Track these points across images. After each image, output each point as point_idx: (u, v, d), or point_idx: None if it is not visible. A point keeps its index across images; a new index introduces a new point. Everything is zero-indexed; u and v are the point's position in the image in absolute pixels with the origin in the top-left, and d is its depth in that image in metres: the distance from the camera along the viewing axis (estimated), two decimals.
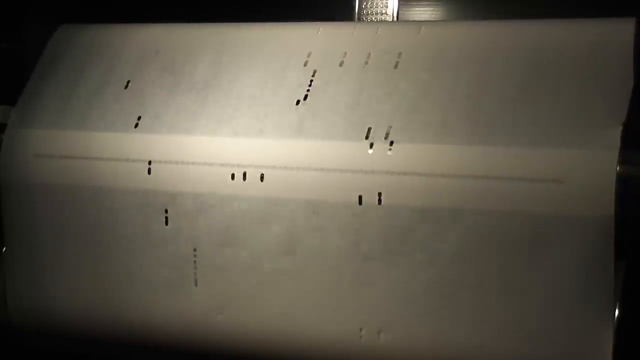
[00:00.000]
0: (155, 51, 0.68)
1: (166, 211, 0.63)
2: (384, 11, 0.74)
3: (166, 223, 0.63)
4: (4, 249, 0.69)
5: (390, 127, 0.58)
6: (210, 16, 0.72)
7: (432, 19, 0.74)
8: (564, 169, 0.54)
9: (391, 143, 0.58)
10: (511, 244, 0.55)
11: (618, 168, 0.53)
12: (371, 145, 0.58)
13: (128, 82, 0.67)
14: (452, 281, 0.57)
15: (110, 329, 0.67)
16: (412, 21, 0.73)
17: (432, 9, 0.74)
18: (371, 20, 0.74)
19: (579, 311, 0.54)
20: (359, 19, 0.74)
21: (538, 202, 0.54)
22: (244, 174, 0.61)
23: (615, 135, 0.53)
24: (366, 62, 0.62)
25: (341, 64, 0.62)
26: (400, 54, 0.62)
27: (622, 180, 0.52)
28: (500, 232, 0.55)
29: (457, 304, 0.57)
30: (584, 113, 0.55)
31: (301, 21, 0.68)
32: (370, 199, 0.58)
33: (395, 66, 0.61)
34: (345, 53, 0.63)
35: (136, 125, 0.64)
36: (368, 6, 0.74)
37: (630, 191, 0.53)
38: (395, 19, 0.74)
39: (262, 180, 0.60)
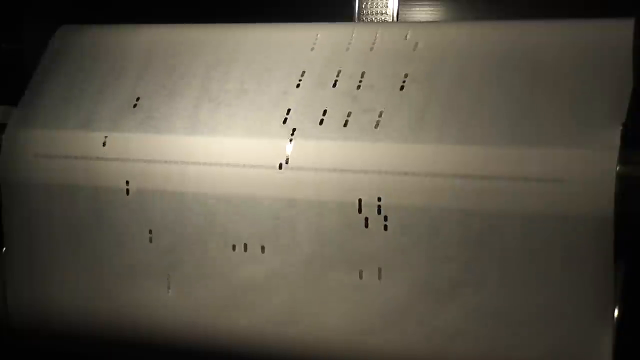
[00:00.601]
0: (154, 52, 0.69)
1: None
2: (384, 11, 0.74)
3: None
4: (4, 249, 0.69)
5: (380, 198, 0.58)
6: (211, 16, 0.72)
7: (432, 19, 0.74)
8: (564, 169, 0.54)
9: (385, 218, 0.58)
10: (511, 244, 0.55)
11: (618, 168, 0.53)
12: (366, 221, 0.58)
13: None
14: (450, 280, 0.57)
15: (110, 329, 0.66)
16: (407, 26, 0.73)
17: (432, 9, 0.74)
18: (371, 21, 0.74)
19: (579, 311, 0.54)
20: (359, 19, 0.74)
21: (538, 202, 0.54)
22: (245, 246, 0.61)
23: (615, 135, 0.53)
24: (345, 123, 0.61)
25: (321, 122, 0.62)
26: (381, 112, 0.60)
27: (622, 180, 0.52)
28: (499, 232, 0.55)
29: (455, 303, 0.57)
30: (584, 113, 0.55)
31: (301, 21, 0.68)
32: (370, 273, 0.59)
33: (376, 126, 0.60)
34: (325, 111, 0.62)
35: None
36: (368, 6, 0.74)
37: (630, 191, 0.53)
38: (395, 19, 0.74)
39: (262, 252, 0.61)
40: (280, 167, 0.60)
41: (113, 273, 0.66)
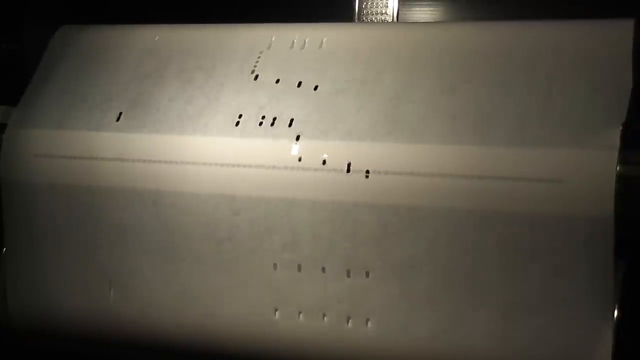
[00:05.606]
0: (154, 52, 0.69)
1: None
2: (384, 11, 0.74)
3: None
4: (4, 249, 0.69)
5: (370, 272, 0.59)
6: (211, 16, 0.72)
7: (432, 19, 0.74)
8: (564, 169, 0.54)
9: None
10: (511, 244, 0.55)
11: (618, 168, 0.53)
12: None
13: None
14: (451, 280, 0.57)
15: (110, 329, 0.66)
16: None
17: (432, 9, 0.74)
18: (371, 21, 0.74)
19: (579, 311, 0.54)
20: (359, 19, 0.74)
21: (538, 202, 0.54)
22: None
23: (615, 135, 0.53)
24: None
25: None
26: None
27: (622, 180, 0.52)
28: (500, 232, 0.55)
29: (456, 303, 0.57)
30: (584, 113, 0.55)
31: (300, 22, 0.68)
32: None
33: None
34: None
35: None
36: (368, 6, 0.74)
37: (630, 191, 0.53)
38: (395, 19, 0.74)
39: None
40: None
41: (113, 273, 0.66)
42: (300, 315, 0.61)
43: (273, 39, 0.66)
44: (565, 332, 0.55)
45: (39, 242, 0.67)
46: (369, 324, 0.59)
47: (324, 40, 0.65)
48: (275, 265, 0.61)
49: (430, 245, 0.57)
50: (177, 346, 0.65)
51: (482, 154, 0.56)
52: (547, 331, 0.55)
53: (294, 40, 0.65)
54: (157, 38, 0.69)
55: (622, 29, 0.58)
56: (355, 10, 0.74)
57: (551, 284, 0.55)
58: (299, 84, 0.63)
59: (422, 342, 0.58)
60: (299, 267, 0.61)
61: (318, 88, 0.62)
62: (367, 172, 0.58)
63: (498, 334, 0.56)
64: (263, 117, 0.62)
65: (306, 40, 0.65)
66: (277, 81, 0.63)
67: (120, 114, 0.66)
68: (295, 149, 0.60)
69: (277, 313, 0.61)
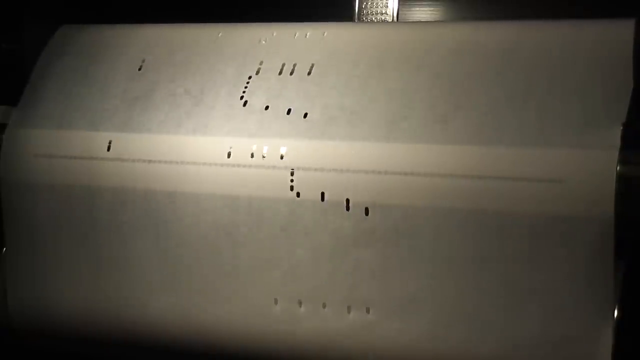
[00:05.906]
0: (154, 52, 0.69)
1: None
2: (384, 11, 0.74)
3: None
4: (4, 249, 0.69)
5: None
6: (211, 16, 0.72)
7: (432, 19, 0.74)
8: (564, 169, 0.54)
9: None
10: (511, 244, 0.55)
11: (618, 168, 0.53)
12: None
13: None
14: (452, 281, 0.57)
15: (111, 329, 0.67)
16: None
17: (432, 9, 0.74)
18: (371, 21, 0.74)
19: (578, 311, 0.54)
20: (359, 19, 0.74)
21: (538, 202, 0.54)
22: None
23: (615, 135, 0.53)
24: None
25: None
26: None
27: (622, 180, 0.52)
28: (500, 232, 0.55)
29: (456, 303, 0.57)
30: (584, 113, 0.55)
31: (300, 21, 0.68)
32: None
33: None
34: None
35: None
36: (368, 6, 0.74)
37: (630, 191, 0.53)
38: (395, 19, 0.74)
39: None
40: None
41: (113, 273, 0.66)
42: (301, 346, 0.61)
43: (262, 63, 0.65)
44: (565, 332, 0.55)
45: (39, 242, 0.67)
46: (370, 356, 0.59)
47: (313, 65, 0.64)
48: (275, 300, 0.61)
49: (428, 245, 0.57)
50: (177, 347, 0.65)
51: (482, 154, 0.56)
52: (547, 331, 0.55)
53: (283, 64, 0.65)
54: (148, 56, 0.69)
55: (622, 29, 0.58)
56: (355, 10, 0.75)
57: (551, 284, 0.55)
58: (289, 111, 0.62)
59: (418, 342, 0.58)
60: (300, 303, 0.61)
61: (307, 116, 0.61)
62: (367, 209, 0.58)
63: (496, 334, 0.56)
64: (254, 148, 0.61)
65: (295, 66, 0.64)
66: (266, 108, 0.63)
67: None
68: (292, 184, 0.60)
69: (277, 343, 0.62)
